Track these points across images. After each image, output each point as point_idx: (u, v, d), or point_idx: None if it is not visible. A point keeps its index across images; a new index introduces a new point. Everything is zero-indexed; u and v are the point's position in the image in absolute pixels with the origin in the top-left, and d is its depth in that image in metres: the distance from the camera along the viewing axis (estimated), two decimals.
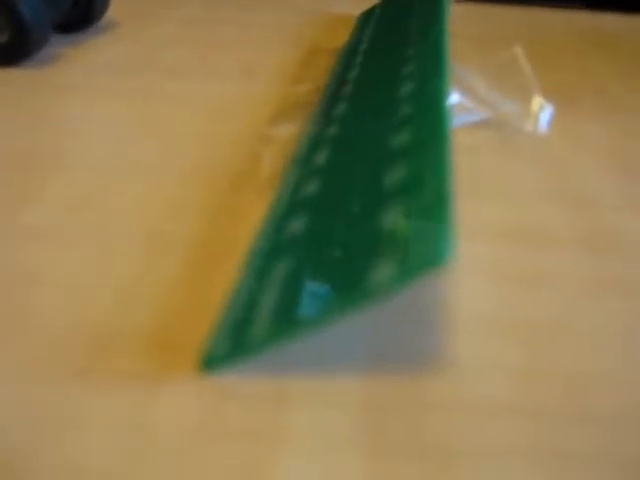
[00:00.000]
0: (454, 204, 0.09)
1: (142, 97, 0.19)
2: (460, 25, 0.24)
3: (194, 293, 0.11)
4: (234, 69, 0.21)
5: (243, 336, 0.09)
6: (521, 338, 0.11)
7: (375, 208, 0.10)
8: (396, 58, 0.18)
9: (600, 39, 0.26)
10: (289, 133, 0.17)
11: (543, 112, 0.16)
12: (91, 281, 0.11)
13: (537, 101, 0.16)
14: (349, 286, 0.08)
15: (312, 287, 0.09)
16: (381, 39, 0.21)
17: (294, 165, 0.14)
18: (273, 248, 0.11)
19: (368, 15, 0.26)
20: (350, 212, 0.10)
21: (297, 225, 0.11)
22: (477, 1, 0.31)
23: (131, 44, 0.23)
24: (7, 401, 0.09)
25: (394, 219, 0.09)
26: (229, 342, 0.09)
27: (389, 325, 0.10)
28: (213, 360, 0.09)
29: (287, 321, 0.09)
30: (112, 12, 0.26)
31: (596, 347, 0.11)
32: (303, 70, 0.22)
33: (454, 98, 0.17)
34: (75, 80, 0.20)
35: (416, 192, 0.10)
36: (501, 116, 0.17)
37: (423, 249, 0.08)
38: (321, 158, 0.14)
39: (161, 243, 0.12)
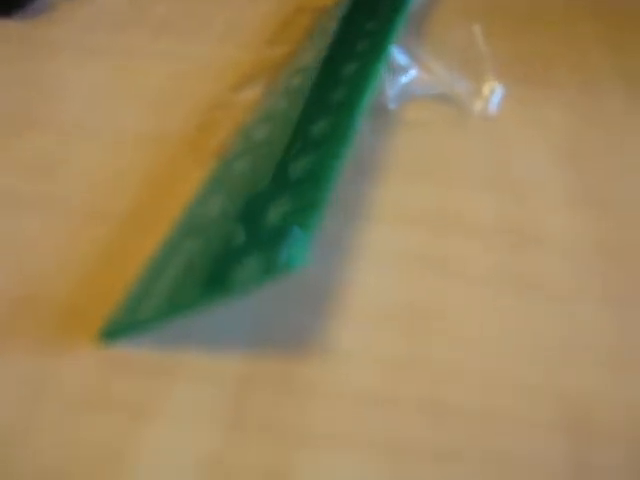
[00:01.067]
0: (323, 212, 0.10)
1: (121, 57, 0.20)
2: None
3: (116, 264, 0.12)
4: (216, 28, 0.22)
5: (137, 312, 0.10)
6: (406, 328, 0.11)
7: (273, 198, 0.11)
8: (358, 32, 0.18)
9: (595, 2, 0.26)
10: (248, 100, 0.18)
11: (494, 94, 0.17)
12: (23, 248, 0.12)
13: (489, 83, 0.17)
14: (216, 280, 0.10)
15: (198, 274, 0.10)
16: (357, 8, 0.22)
17: (236, 138, 0.15)
18: (188, 226, 0.12)
19: None
20: (255, 198, 0.11)
21: (212, 206, 0.12)
22: None
23: None
24: None
25: (279, 214, 0.10)
26: (126, 316, 0.10)
27: (279, 307, 0.11)
28: (110, 333, 0.11)
29: (169, 304, 0.10)
30: None
31: (475, 341, 0.11)
32: (283, 30, 0.22)
33: (411, 73, 0.17)
34: (61, 36, 0.21)
35: (302, 190, 0.10)
36: (453, 94, 0.17)
37: (281, 254, 0.09)
38: (259, 134, 0.15)
39: (94, 213, 0.13)
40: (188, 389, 0.10)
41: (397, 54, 0.17)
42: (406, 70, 0.17)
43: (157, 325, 0.10)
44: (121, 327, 0.10)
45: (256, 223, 0.10)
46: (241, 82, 0.19)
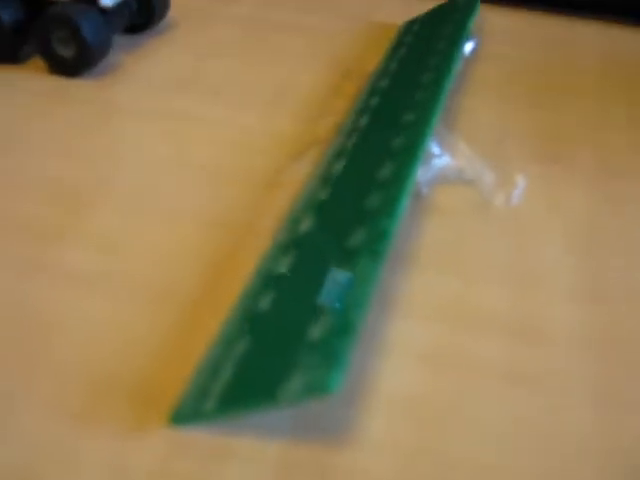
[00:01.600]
0: (357, 336, 0.12)
1: (179, 123, 0.22)
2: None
3: (181, 343, 0.15)
4: (266, 94, 0.24)
5: (200, 403, 0.13)
6: (423, 419, 0.14)
7: (313, 315, 0.13)
8: (403, 106, 0.20)
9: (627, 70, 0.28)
10: (297, 178, 0.20)
11: (517, 188, 0.19)
12: (98, 329, 0.15)
13: (513, 177, 0.19)
14: (262, 394, 0.12)
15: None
16: (401, 78, 0.24)
17: (284, 227, 0.17)
18: (241, 322, 0.14)
19: (408, 28, 0.28)
20: (298, 316, 0.14)
21: (264, 304, 0.15)
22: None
23: (181, 53, 0.26)
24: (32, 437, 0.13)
25: (317, 331, 0.13)
26: (191, 407, 0.13)
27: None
28: (178, 419, 0.13)
29: (226, 404, 0.12)
30: (173, 9, 0.28)
31: (490, 435, 0.13)
32: (330, 99, 0.24)
33: (444, 160, 0.19)
34: (123, 99, 0.23)
35: (340, 317, 0.13)
36: (480, 182, 0.19)
37: (315, 378, 0.11)
38: (303, 227, 0.17)
39: (158, 292, 0.16)
40: (237, 469, 0.12)
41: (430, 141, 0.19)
42: (439, 157, 0.19)
43: (216, 418, 0.13)
44: (187, 416, 0.13)
45: (300, 339, 0.12)
46: (291, 156, 0.21)
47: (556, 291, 0.17)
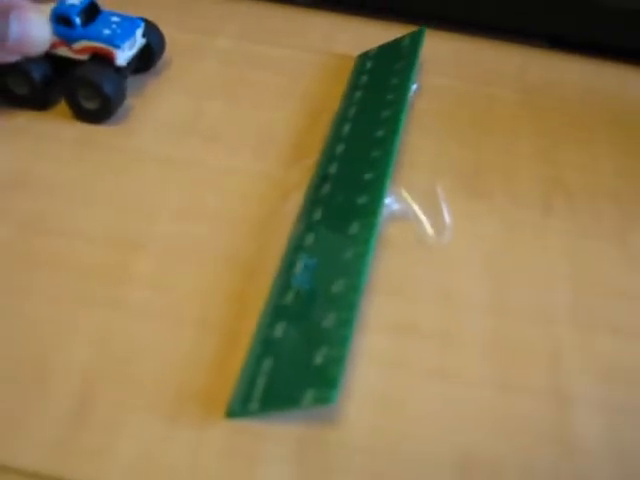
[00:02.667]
0: (346, 364, 0.20)
1: (186, 167, 0.28)
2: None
3: (220, 363, 0.22)
4: (251, 137, 0.31)
5: (246, 406, 0.20)
6: (381, 409, 0.22)
7: (316, 344, 0.21)
8: (363, 165, 0.28)
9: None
10: (289, 216, 0.27)
11: (446, 226, 0.27)
12: (159, 349, 0.22)
13: (442, 218, 0.27)
14: (288, 400, 0.20)
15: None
16: (359, 124, 0.31)
17: (279, 270, 0.24)
18: (263, 345, 0.22)
19: (362, 64, 0.35)
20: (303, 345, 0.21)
21: (277, 332, 0.22)
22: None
23: (179, 93, 0.32)
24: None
25: (319, 358, 0.20)
26: (239, 408, 0.21)
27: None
28: (231, 415, 0.21)
29: (263, 407, 0.20)
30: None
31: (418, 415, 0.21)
32: (304, 139, 0.31)
33: (391, 202, 0.27)
34: (136, 144, 0.29)
35: (335, 342, 0.21)
36: (417, 223, 0.27)
37: (323, 392, 0.19)
38: (297, 269, 0.24)
39: (200, 320, 0.23)
40: (271, 445, 0.20)
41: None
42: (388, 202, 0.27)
43: (257, 415, 0.20)
44: (237, 414, 0.20)
45: (309, 364, 0.20)
46: (282, 198, 0.28)
47: (472, 306, 0.25)
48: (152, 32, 0.33)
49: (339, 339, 0.20)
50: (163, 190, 0.27)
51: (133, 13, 0.32)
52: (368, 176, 0.26)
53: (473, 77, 0.36)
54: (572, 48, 0.38)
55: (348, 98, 0.32)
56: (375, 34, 0.37)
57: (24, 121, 0.30)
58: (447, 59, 0.36)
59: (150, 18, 0.33)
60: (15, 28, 0.28)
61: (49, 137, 0.29)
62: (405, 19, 0.38)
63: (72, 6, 0.30)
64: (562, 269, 0.26)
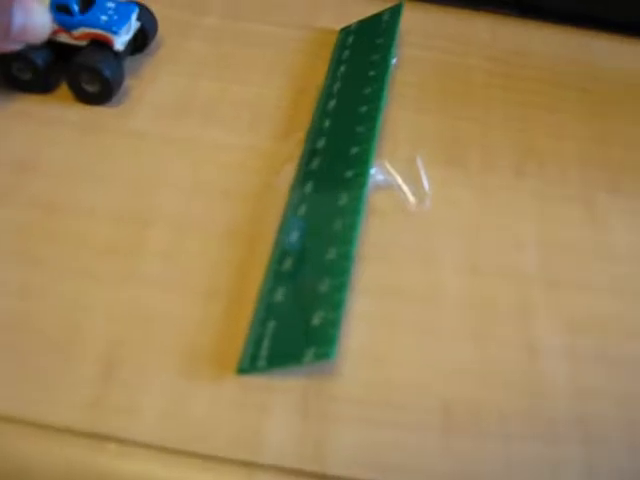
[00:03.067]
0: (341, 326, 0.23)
1: (186, 144, 0.31)
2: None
3: (229, 325, 0.25)
4: (245, 119, 0.33)
5: (255, 363, 0.23)
6: (373, 365, 0.25)
7: (313, 307, 0.24)
8: (350, 140, 0.30)
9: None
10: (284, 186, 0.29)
11: (426, 193, 0.29)
12: (172, 316, 0.25)
13: (422, 186, 0.29)
14: (291, 357, 0.23)
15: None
16: (344, 97, 0.33)
17: (276, 239, 0.27)
18: (266, 308, 0.25)
19: (344, 39, 0.37)
20: (300, 302, 0.24)
21: (278, 296, 0.25)
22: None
23: (173, 73, 0.34)
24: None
25: (317, 320, 0.23)
26: (249, 365, 0.23)
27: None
28: (242, 372, 0.24)
29: (270, 364, 0.23)
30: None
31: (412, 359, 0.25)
32: (293, 114, 0.34)
33: (376, 173, 0.30)
34: (137, 124, 0.31)
35: (330, 305, 0.23)
36: (399, 191, 0.29)
37: (323, 350, 0.22)
38: (292, 237, 0.27)
39: (209, 288, 0.26)
40: (280, 396, 0.23)
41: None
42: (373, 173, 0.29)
43: (265, 371, 0.23)
44: (247, 371, 0.23)
45: (308, 324, 0.23)
46: (275, 171, 0.30)
47: (450, 267, 0.28)
48: (145, 15, 0.34)
49: (334, 302, 0.23)
50: (165, 168, 0.30)
51: None
52: (354, 150, 0.28)
53: (448, 48, 0.38)
54: (540, 16, 0.40)
55: (332, 73, 0.34)
56: (356, 8, 0.39)
57: (30, 105, 0.32)
58: (423, 30, 0.39)
59: None
60: (18, 17, 0.29)
61: (54, 120, 0.31)
62: None
63: None
64: (532, 230, 0.29)
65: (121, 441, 0.22)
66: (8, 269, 0.26)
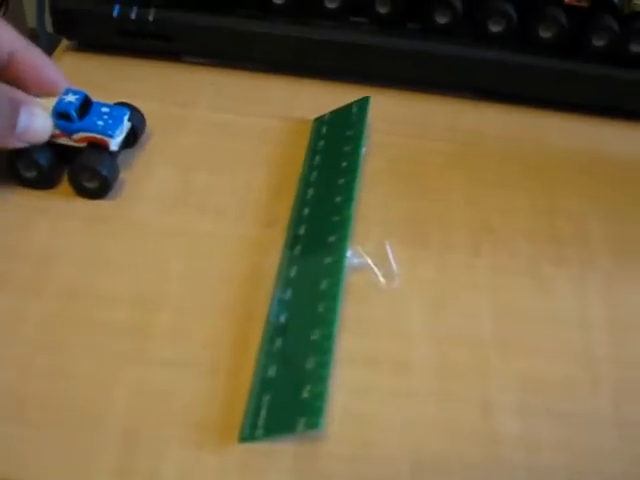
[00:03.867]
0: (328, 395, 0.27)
1: (182, 234, 0.35)
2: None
3: (233, 394, 0.29)
4: (231, 203, 0.37)
5: (254, 433, 0.28)
6: None
7: (302, 383, 0.28)
8: (326, 227, 0.35)
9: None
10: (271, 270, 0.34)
11: (394, 272, 0.34)
12: (190, 394, 0.29)
13: (391, 267, 0.34)
14: (285, 428, 0.27)
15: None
16: (320, 186, 0.38)
17: (266, 320, 0.32)
18: (259, 388, 0.29)
19: (318, 129, 0.41)
20: (289, 379, 0.29)
21: (272, 373, 0.30)
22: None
23: (165, 165, 0.38)
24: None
25: (306, 394, 0.28)
26: (249, 435, 0.28)
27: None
28: (243, 440, 0.28)
29: (267, 434, 0.27)
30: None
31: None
32: (275, 202, 0.38)
33: (351, 257, 0.35)
34: (135, 215, 0.36)
35: (314, 381, 0.28)
36: (371, 271, 0.34)
37: (312, 420, 0.27)
38: (281, 320, 0.32)
39: (217, 361, 0.30)
40: (271, 463, 0.27)
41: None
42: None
43: (263, 440, 0.28)
44: (247, 440, 0.28)
45: (299, 399, 0.28)
46: (263, 256, 0.35)
47: (418, 336, 0.32)
48: (135, 116, 0.39)
49: (320, 377, 0.28)
50: (166, 255, 0.34)
51: (117, 85, 0.40)
52: (331, 239, 0.33)
53: (411, 132, 0.43)
54: (494, 98, 0.46)
55: (309, 162, 0.39)
56: (328, 96, 0.44)
57: (38, 200, 0.36)
58: (389, 117, 0.43)
59: (131, 91, 0.40)
60: (23, 119, 0.34)
61: (64, 214, 0.36)
62: (352, 80, 0.45)
63: (70, 103, 0.36)
64: (487, 301, 0.34)
65: None
66: (39, 355, 0.30)
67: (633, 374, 0.31)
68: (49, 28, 0.51)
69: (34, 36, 0.39)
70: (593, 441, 0.29)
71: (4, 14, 0.56)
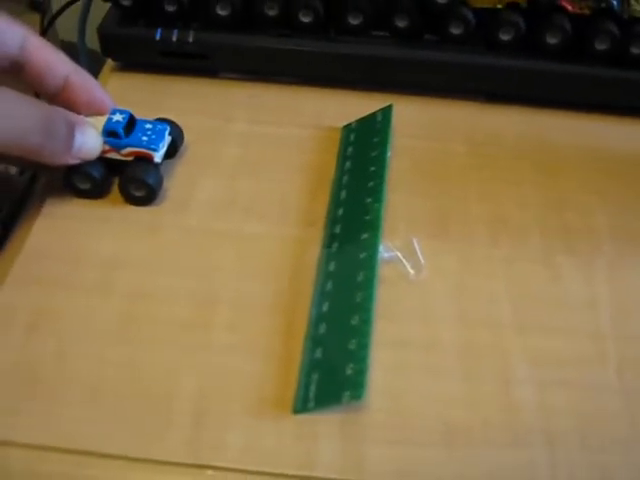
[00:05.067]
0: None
1: (231, 237, 0.39)
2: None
3: (285, 373, 0.34)
4: (272, 207, 0.41)
5: (306, 405, 0.32)
6: None
7: (346, 361, 0.33)
8: (359, 224, 0.40)
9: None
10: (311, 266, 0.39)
11: (422, 265, 0.39)
12: (249, 374, 0.34)
13: (419, 260, 0.39)
14: (333, 399, 0.32)
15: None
16: (352, 188, 0.43)
17: (311, 309, 0.36)
18: (309, 367, 0.34)
19: (347, 136, 0.45)
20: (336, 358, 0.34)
21: (318, 354, 0.34)
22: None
23: (205, 175, 0.42)
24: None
25: (349, 371, 0.33)
26: (301, 407, 0.32)
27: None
28: (297, 411, 0.33)
29: (317, 406, 0.32)
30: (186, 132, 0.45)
31: None
32: (314, 203, 0.43)
33: (382, 252, 0.39)
34: (183, 221, 0.40)
35: (356, 360, 0.33)
36: (400, 264, 0.39)
37: (355, 393, 0.31)
38: (324, 308, 0.36)
39: (265, 344, 0.35)
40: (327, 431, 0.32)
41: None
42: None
43: (314, 411, 0.32)
44: (300, 411, 0.32)
45: (343, 374, 0.32)
46: (304, 253, 0.40)
47: (444, 321, 0.37)
48: (174, 130, 0.43)
49: (360, 357, 0.32)
50: (218, 257, 0.38)
51: (160, 102, 0.45)
52: (364, 236, 0.38)
53: (432, 135, 0.47)
54: (506, 101, 0.50)
55: (340, 167, 0.43)
56: (355, 105, 0.48)
57: (97, 209, 0.41)
58: (411, 121, 0.48)
59: (173, 107, 0.44)
60: (78, 139, 0.39)
61: (120, 221, 0.40)
62: (376, 89, 0.50)
63: (118, 122, 0.40)
64: (505, 288, 0.38)
65: (215, 468, 0.30)
66: (114, 347, 0.34)
67: (635, 348, 0.35)
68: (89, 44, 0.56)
69: (65, 48, 0.43)
70: (600, 406, 0.33)
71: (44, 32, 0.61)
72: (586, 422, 0.32)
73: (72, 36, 0.59)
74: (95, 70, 0.50)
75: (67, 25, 0.61)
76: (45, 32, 0.61)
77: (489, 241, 0.40)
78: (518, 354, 0.35)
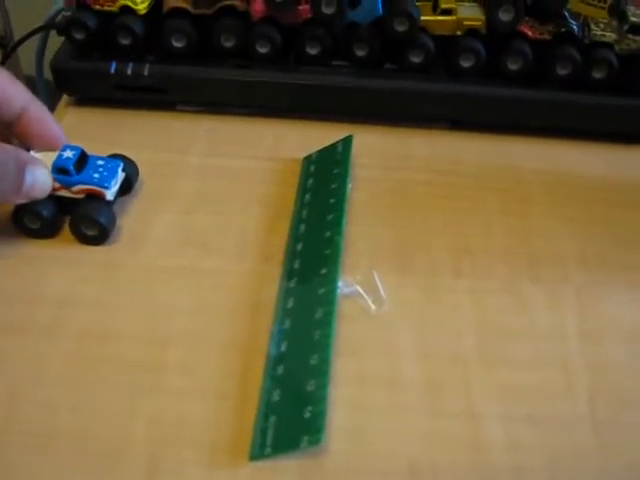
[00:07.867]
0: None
1: (185, 273, 0.38)
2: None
3: (241, 417, 0.33)
4: (228, 241, 0.40)
5: (262, 452, 0.31)
6: None
7: (304, 404, 0.32)
8: (318, 260, 0.38)
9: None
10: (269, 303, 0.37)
11: (383, 299, 0.38)
12: (202, 419, 0.32)
13: (380, 294, 0.38)
14: (291, 445, 0.30)
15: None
16: (311, 222, 0.42)
17: (268, 348, 0.35)
18: (264, 412, 0.32)
19: (307, 168, 0.44)
20: (295, 400, 0.32)
21: (275, 397, 0.33)
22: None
23: (160, 211, 0.41)
24: None
25: (308, 414, 0.31)
26: (258, 454, 0.31)
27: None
28: (253, 459, 0.31)
29: (274, 452, 0.31)
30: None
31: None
32: (272, 237, 0.42)
33: (342, 287, 0.38)
34: (135, 259, 0.39)
35: (314, 402, 0.31)
36: (361, 299, 0.38)
37: (314, 437, 0.30)
38: (282, 348, 0.35)
39: (225, 386, 0.33)
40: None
41: None
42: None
43: (270, 458, 0.31)
44: (256, 458, 0.31)
45: (301, 417, 0.31)
46: (262, 290, 0.38)
47: (406, 356, 0.35)
48: (129, 166, 0.42)
49: (319, 398, 0.31)
50: (172, 295, 0.37)
51: (116, 136, 0.44)
52: (323, 271, 0.36)
53: (393, 165, 0.47)
54: (468, 128, 0.49)
55: (300, 200, 0.42)
56: (315, 136, 0.47)
57: (47, 250, 0.39)
58: (371, 151, 0.47)
59: (129, 141, 0.43)
60: (29, 177, 0.37)
61: (71, 261, 0.39)
62: (336, 119, 0.49)
63: (68, 159, 0.39)
64: (468, 319, 0.37)
65: None
66: (65, 391, 0.33)
67: (605, 378, 0.34)
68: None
69: (29, 82, 0.41)
70: (571, 441, 0.32)
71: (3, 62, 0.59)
72: (557, 458, 0.31)
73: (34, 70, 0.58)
74: (53, 104, 0.49)
75: (31, 59, 0.60)
76: (3, 64, 0.59)
77: (453, 272, 0.39)
78: (484, 389, 0.33)
